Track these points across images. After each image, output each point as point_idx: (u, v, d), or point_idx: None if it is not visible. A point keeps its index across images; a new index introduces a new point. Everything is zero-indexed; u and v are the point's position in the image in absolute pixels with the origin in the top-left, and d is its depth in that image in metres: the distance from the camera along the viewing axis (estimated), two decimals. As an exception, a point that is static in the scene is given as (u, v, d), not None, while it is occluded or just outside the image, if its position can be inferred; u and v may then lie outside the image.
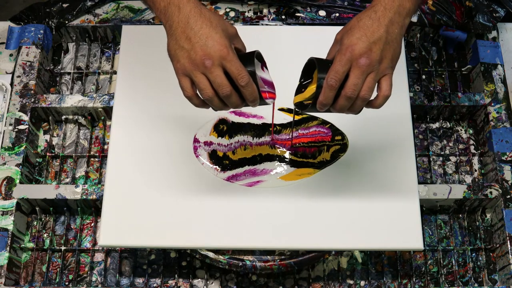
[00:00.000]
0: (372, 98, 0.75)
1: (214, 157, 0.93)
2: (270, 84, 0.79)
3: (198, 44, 0.71)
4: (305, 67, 0.77)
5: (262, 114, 0.96)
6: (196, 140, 0.95)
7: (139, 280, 1.00)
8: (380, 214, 0.89)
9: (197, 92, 0.74)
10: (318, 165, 0.92)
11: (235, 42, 0.76)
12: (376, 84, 0.74)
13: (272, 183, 0.91)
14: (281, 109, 0.96)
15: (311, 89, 0.76)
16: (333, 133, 0.95)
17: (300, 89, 0.79)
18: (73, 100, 1.07)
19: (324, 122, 0.95)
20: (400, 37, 0.74)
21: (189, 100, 0.75)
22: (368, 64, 0.71)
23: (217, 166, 0.93)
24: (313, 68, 0.76)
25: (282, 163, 0.93)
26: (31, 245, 1.01)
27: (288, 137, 0.95)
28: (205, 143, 0.95)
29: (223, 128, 0.96)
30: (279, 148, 0.94)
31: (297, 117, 0.96)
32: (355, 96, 0.72)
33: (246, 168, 0.92)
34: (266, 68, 0.79)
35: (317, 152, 0.93)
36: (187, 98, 0.75)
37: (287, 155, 0.93)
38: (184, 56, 0.72)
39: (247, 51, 0.78)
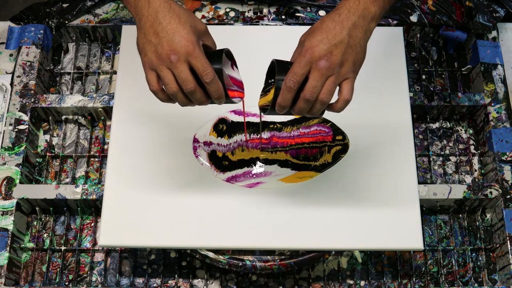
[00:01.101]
0: (333, 101, 0.74)
1: (213, 157, 0.93)
2: (239, 83, 0.79)
3: (165, 39, 0.71)
4: (269, 69, 0.76)
5: None
6: (195, 140, 0.95)
7: (139, 280, 1.00)
8: (380, 214, 0.89)
9: (163, 86, 0.74)
10: (320, 168, 0.92)
11: (204, 39, 0.75)
12: (338, 87, 0.73)
13: (272, 185, 0.91)
14: None
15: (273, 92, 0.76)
16: (334, 133, 0.94)
17: (265, 92, 0.78)
18: (73, 100, 1.07)
19: (325, 121, 0.95)
20: (364, 42, 0.73)
21: (155, 94, 0.75)
22: (327, 67, 0.70)
23: (216, 167, 0.92)
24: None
25: (283, 167, 0.92)
26: (31, 245, 1.01)
27: (288, 135, 0.95)
28: (205, 143, 0.95)
29: (222, 127, 0.96)
30: (253, 148, 0.93)
31: (297, 116, 0.96)
32: (313, 98, 0.71)
33: (246, 169, 0.92)
34: (236, 67, 0.79)
35: (318, 154, 0.93)
36: (152, 92, 0.74)
37: (281, 155, 0.93)
38: (151, 50, 0.72)
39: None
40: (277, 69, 0.73)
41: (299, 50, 0.73)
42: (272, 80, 0.76)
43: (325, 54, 0.70)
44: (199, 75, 0.71)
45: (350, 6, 0.72)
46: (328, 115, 0.95)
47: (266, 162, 0.93)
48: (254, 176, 0.92)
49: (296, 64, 0.71)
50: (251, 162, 0.93)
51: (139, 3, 0.73)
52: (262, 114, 0.79)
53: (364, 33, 0.73)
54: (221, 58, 0.73)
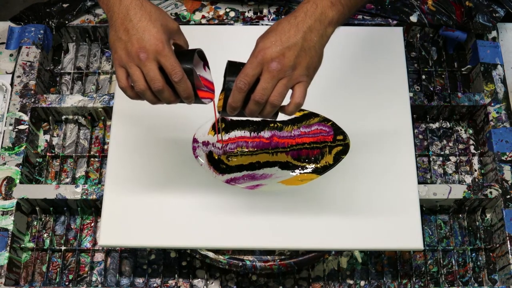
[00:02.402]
0: (285, 104, 0.73)
1: (211, 159, 0.93)
2: (210, 84, 0.78)
3: (135, 37, 0.71)
4: (225, 70, 0.75)
5: None
6: (195, 140, 0.95)
7: (139, 280, 1.00)
8: (380, 214, 0.89)
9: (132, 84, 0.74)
10: (321, 170, 0.92)
11: (176, 38, 0.75)
12: (290, 90, 0.72)
13: (272, 187, 0.91)
14: None
15: None
16: (335, 132, 0.94)
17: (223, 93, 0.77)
18: (73, 100, 1.07)
19: (325, 120, 0.95)
20: (320, 46, 0.72)
21: (123, 91, 0.75)
22: (279, 69, 0.69)
23: (215, 169, 0.92)
24: None
25: (284, 169, 0.92)
26: (31, 245, 1.01)
27: (288, 135, 0.95)
28: (203, 143, 0.95)
29: (221, 126, 0.96)
30: (253, 147, 0.93)
31: (298, 114, 0.96)
32: (263, 100, 0.70)
33: (245, 172, 0.92)
34: (208, 68, 0.79)
35: (319, 155, 0.93)
36: (121, 89, 0.74)
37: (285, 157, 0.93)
38: (121, 48, 0.72)
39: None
40: (228, 70, 0.72)
41: (252, 52, 0.72)
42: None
43: (277, 56, 0.69)
44: (168, 73, 0.71)
45: (307, 10, 0.72)
46: (328, 114, 0.96)
47: (267, 164, 0.93)
48: (254, 178, 0.91)
49: (247, 65, 0.70)
50: (250, 166, 0.92)
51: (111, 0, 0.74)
52: (219, 115, 0.78)
53: (320, 37, 0.72)
54: (192, 57, 0.73)
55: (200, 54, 0.76)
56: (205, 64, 0.78)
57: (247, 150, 0.93)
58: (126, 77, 0.73)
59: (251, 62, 0.70)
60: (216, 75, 0.80)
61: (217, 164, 0.93)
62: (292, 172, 0.92)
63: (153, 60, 0.71)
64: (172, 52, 0.71)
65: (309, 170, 0.92)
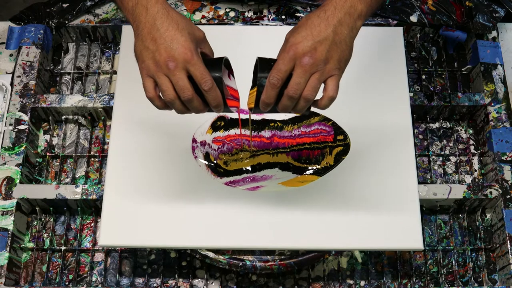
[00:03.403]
0: (318, 98, 0.73)
1: (209, 161, 0.93)
2: (235, 93, 0.78)
3: (162, 46, 0.70)
4: (255, 67, 0.76)
5: None
6: (194, 140, 0.95)
7: (139, 280, 1.00)
8: (380, 214, 0.89)
9: (160, 94, 0.73)
10: (321, 171, 0.92)
11: (202, 47, 0.75)
12: (323, 84, 0.72)
13: (272, 188, 0.91)
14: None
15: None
16: (335, 132, 0.94)
17: (252, 90, 0.77)
18: (73, 100, 1.07)
19: (326, 119, 0.95)
20: (350, 39, 0.72)
21: (151, 101, 0.74)
22: (311, 63, 0.69)
23: (213, 171, 0.92)
24: None
25: (284, 170, 0.92)
26: (31, 245, 1.01)
27: (289, 134, 0.95)
28: (201, 143, 0.94)
29: (220, 124, 0.96)
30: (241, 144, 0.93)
31: (283, 113, 0.95)
32: (297, 95, 0.70)
33: (245, 175, 0.92)
34: (233, 76, 0.78)
35: (320, 156, 0.93)
36: (149, 99, 0.74)
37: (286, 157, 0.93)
38: (149, 57, 0.71)
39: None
40: (259, 66, 0.72)
41: (283, 47, 0.72)
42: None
43: (309, 51, 0.69)
44: (197, 82, 0.71)
45: (336, 3, 0.72)
46: (328, 114, 0.96)
47: (267, 165, 0.93)
48: (254, 180, 0.91)
49: (279, 61, 0.70)
50: (251, 167, 0.92)
51: (137, 9, 0.73)
52: (250, 112, 0.78)
53: (350, 31, 0.72)
54: (221, 66, 0.72)
55: (226, 62, 0.76)
56: (230, 72, 0.78)
57: (243, 155, 0.93)
58: (154, 87, 0.72)
59: (283, 57, 0.70)
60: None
61: (215, 167, 0.93)
62: (293, 173, 0.92)
63: (182, 69, 0.70)
64: (201, 60, 0.71)
65: (309, 171, 0.92)
